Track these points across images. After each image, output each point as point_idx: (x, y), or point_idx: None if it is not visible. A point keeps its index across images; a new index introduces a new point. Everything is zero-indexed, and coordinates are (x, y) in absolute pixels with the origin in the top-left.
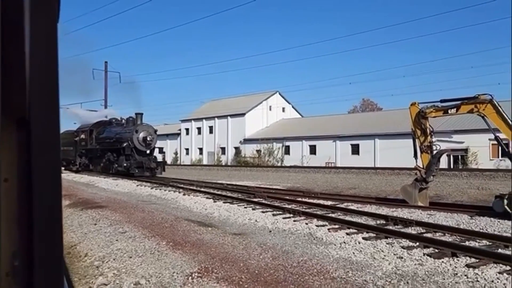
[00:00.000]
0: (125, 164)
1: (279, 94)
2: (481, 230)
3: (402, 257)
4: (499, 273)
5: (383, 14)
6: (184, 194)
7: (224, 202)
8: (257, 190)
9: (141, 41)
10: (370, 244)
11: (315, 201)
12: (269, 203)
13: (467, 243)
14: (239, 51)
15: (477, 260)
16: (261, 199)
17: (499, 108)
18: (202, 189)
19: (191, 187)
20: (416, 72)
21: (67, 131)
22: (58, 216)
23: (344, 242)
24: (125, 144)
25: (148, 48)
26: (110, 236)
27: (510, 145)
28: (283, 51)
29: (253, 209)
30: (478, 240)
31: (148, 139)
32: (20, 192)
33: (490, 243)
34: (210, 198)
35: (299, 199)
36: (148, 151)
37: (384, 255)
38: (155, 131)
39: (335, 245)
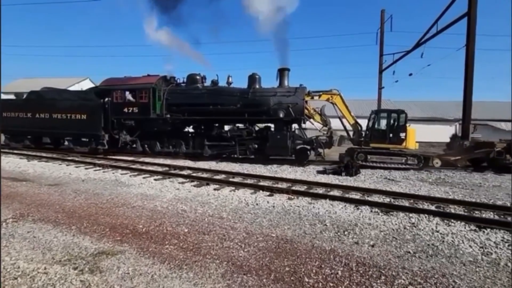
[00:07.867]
0: (291, 144)
1: (90, 79)
2: (221, 169)
3: (178, 189)
4: (230, 191)
5: None
6: None
7: (39, 161)
8: (70, 150)
9: None
10: (159, 183)
11: (119, 157)
12: (81, 160)
13: (215, 177)
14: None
15: (220, 186)
16: (75, 157)
17: (344, 100)
18: (15, 151)
19: (3, 150)
20: None
21: (57, 90)
22: None
23: (141, 183)
24: (282, 114)
25: None
26: None
27: (349, 126)
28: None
29: (67, 165)
30: (220, 175)
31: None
32: None
33: (226, 176)
34: (24, 158)
35: (108, 156)
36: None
37: (168, 189)
38: None
39: (134, 185)
